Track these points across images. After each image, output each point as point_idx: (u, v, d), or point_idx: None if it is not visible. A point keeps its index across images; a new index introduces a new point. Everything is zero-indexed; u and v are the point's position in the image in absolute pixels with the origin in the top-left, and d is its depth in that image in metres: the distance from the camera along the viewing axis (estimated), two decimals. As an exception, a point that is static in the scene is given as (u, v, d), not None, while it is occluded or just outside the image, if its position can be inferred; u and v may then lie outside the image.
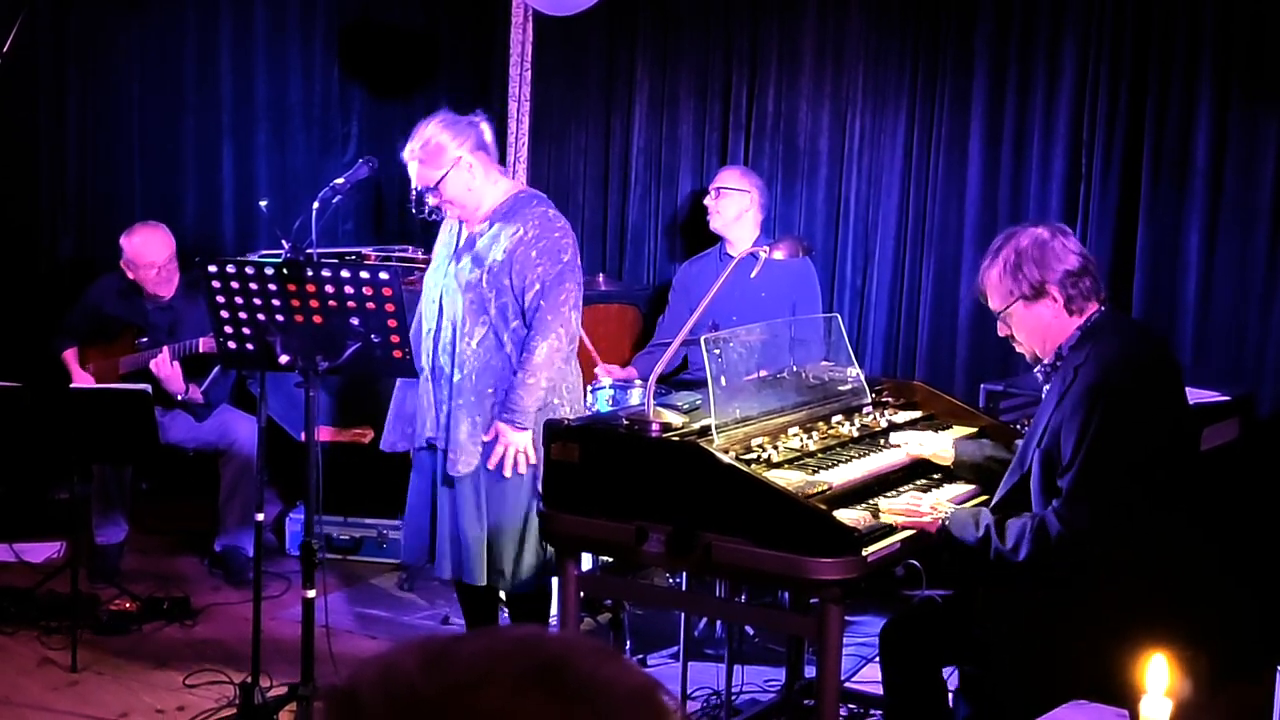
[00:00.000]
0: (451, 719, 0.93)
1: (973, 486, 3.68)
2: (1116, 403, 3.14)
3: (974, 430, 4.05)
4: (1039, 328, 3.30)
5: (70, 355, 5.64)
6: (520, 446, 4.07)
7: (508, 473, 4.09)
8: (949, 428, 4.06)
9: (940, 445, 3.82)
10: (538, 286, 4.06)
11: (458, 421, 4.15)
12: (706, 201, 5.78)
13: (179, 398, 5.49)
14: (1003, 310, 3.31)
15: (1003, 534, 3.19)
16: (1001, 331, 3.38)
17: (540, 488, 3.94)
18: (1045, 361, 3.32)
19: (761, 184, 5.78)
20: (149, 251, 5.52)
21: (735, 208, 5.65)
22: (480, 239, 4.19)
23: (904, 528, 3.36)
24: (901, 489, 3.63)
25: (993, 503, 3.40)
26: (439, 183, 4.13)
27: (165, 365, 5.42)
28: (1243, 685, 3.72)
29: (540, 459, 3.93)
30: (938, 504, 3.40)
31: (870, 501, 3.50)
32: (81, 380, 5.56)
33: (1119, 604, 3.15)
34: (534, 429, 4.06)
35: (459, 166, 4.12)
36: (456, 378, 4.17)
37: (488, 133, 4.23)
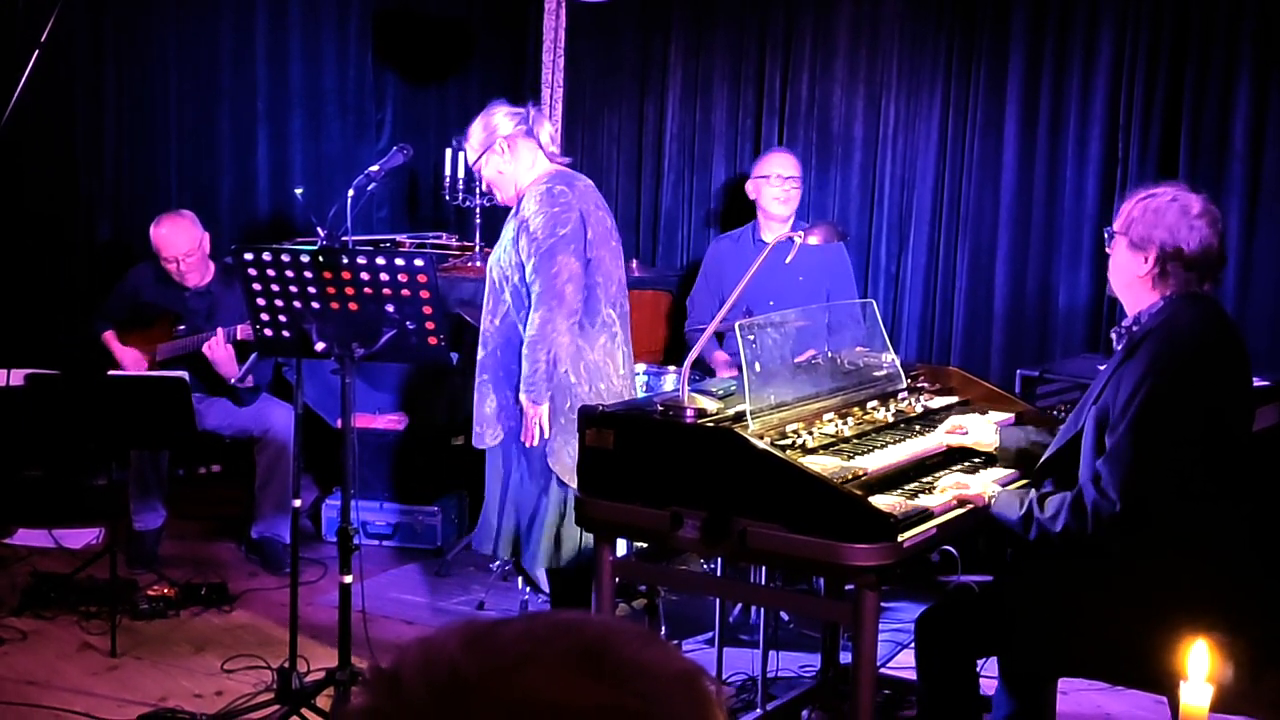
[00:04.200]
0: (492, 701, 0.93)
1: (1012, 471, 3.66)
2: (1174, 377, 3.12)
3: (1013, 415, 4.03)
4: (1124, 275, 3.30)
5: (110, 336, 5.67)
6: (530, 415, 4.19)
7: (525, 441, 4.23)
8: (985, 414, 4.04)
9: (983, 433, 3.79)
10: (532, 261, 4.16)
11: (481, 397, 4.33)
12: (785, 189, 5.57)
13: (231, 381, 5.51)
14: (1116, 232, 3.31)
15: (1044, 508, 3.20)
16: (1108, 249, 3.37)
17: (558, 472, 4.21)
18: (1124, 322, 3.31)
19: None
20: (173, 243, 5.52)
21: (799, 193, 5.66)
22: (509, 220, 4.33)
23: (957, 501, 3.36)
24: (939, 474, 3.62)
25: (1043, 458, 3.40)
26: (477, 166, 4.41)
27: (219, 347, 5.42)
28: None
29: (555, 434, 4.20)
30: (986, 487, 3.39)
31: (907, 487, 3.49)
32: (124, 358, 5.59)
33: (1157, 587, 3.13)
34: (557, 404, 4.20)
35: (491, 150, 4.33)
36: (480, 354, 4.33)
37: (537, 123, 4.36)
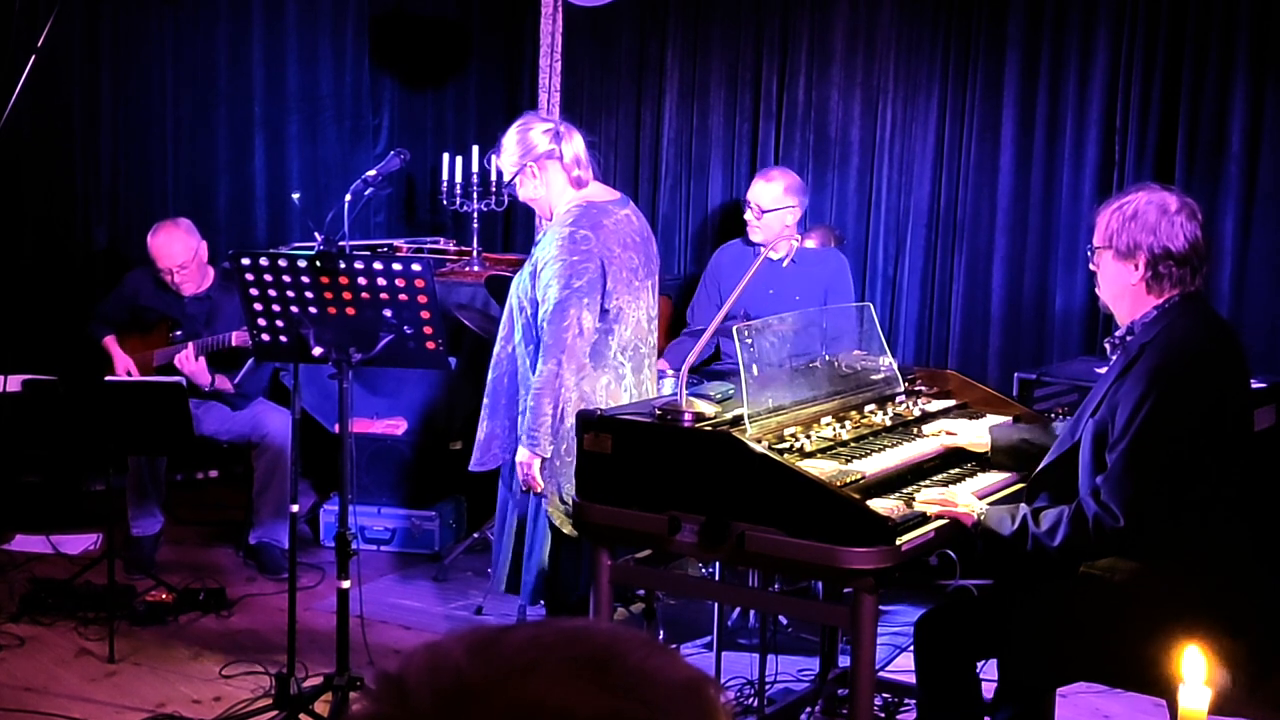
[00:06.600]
0: (498, 708, 0.93)
1: (1009, 474, 3.66)
2: (1174, 390, 3.10)
3: (1010, 418, 4.03)
4: (1115, 286, 3.27)
5: (110, 341, 5.67)
6: (523, 464, 4.04)
7: (525, 487, 4.11)
8: (983, 416, 4.04)
9: (975, 434, 3.79)
10: (545, 309, 4.02)
11: (481, 420, 4.23)
12: (747, 216, 5.58)
13: (207, 389, 5.51)
14: (1098, 247, 3.30)
15: (1039, 522, 3.18)
16: (1091, 266, 3.36)
17: (552, 516, 4.09)
18: (1117, 333, 3.30)
19: (804, 191, 5.59)
20: (169, 253, 5.51)
21: (780, 222, 5.50)
22: (536, 246, 4.19)
23: (939, 516, 3.35)
24: (936, 478, 3.62)
25: (1038, 469, 3.39)
26: (512, 183, 4.24)
27: (189, 361, 5.43)
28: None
29: (550, 477, 4.05)
30: (972, 505, 3.36)
31: (904, 491, 3.49)
32: (123, 363, 5.59)
33: (1157, 593, 3.13)
34: (552, 455, 4.03)
35: (523, 171, 4.16)
36: (490, 376, 4.22)
37: (565, 140, 4.15)
